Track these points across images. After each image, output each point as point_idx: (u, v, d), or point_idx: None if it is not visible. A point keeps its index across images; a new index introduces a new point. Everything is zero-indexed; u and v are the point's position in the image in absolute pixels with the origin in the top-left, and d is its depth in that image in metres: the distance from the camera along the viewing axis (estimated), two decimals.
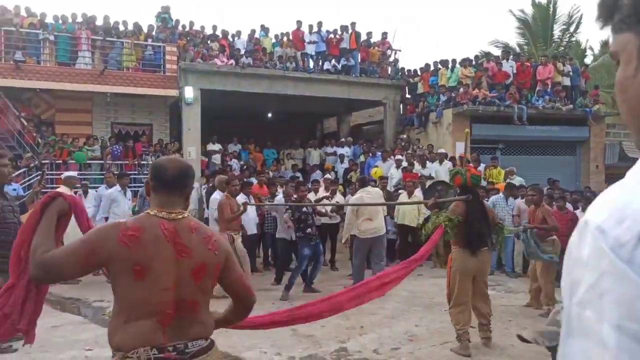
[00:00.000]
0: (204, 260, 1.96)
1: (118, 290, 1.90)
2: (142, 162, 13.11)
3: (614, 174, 15.55)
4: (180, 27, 15.66)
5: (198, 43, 14.96)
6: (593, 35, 46.96)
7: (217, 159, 14.60)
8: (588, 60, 22.85)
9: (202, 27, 16.05)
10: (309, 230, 7.73)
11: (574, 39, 23.03)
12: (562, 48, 22.05)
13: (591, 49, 25.51)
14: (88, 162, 12.43)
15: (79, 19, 14.29)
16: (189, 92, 13.94)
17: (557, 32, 22.93)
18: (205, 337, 1.99)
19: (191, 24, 16.01)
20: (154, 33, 14.76)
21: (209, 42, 15.28)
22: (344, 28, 15.86)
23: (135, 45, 14.15)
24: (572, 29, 22.75)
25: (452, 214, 5.10)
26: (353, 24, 15.98)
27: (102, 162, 12.73)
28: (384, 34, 16.77)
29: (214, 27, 15.84)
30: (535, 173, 12.43)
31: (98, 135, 13.65)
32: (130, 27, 14.61)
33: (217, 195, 8.11)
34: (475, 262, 5.16)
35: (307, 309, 3.79)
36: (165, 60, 14.17)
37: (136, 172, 12.70)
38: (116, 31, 14.35)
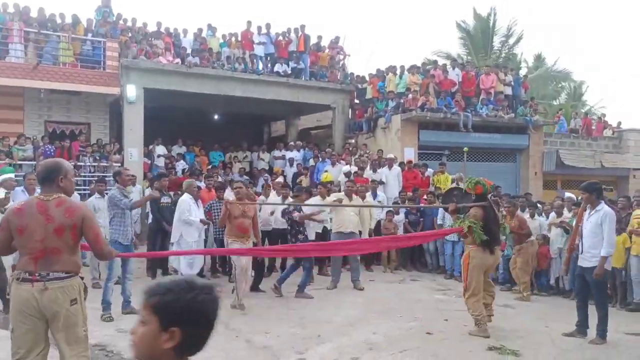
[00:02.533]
0: (62, 224, 3.18)
1: (15, 241, 3.23)
2: (79, 164, 12.34)
3: (551, 181, 16.30)
4: (121, 22, 14.94)
5: (141, 40, 14.32)
6: (527, 48, 49.45)
7: (160, 161, 14.00)
8: (522, 72, 23.90)
9: (145, 24, 15.39)
10: (301, 237, 7.86)
11: (512, 51, 24.01)
12: (501, 59, 22.93)
13: (525, 61, 26.76)
14: (19, 162, 11.52)
15: (11, 10, 13.30)
16: (132, 91, 13.30)
17: (496, 44, 23.85)
18: (65, 271, 3.18)
19: (133, 20, 15.33)
20: (93, 27, 14.00)
21: (152, 39, 14.67)
22: (294, 30, 15.70)
23: (73, 40, 13.35)
24: (511, 41, 23.75)
25: (475, 219, 5.85)
26: (302, 27, 15.85)
27: (34, 162, 11.86)
28: (335, 38, 16.76)
29: (158, 24, 15.23)
30: None
31: (30, 134, 12.73)
32: (67, 20, 13.76)
33: (185, 198, 7.78)
34: (492, 258, 6.07)
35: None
36: (105, 56, 13.46)
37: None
38: (52, 24, 13.47)
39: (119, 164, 12.89)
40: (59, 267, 3.14)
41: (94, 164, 12.55)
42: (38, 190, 8.46)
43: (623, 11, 54.33)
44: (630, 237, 7.57)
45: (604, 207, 5.74)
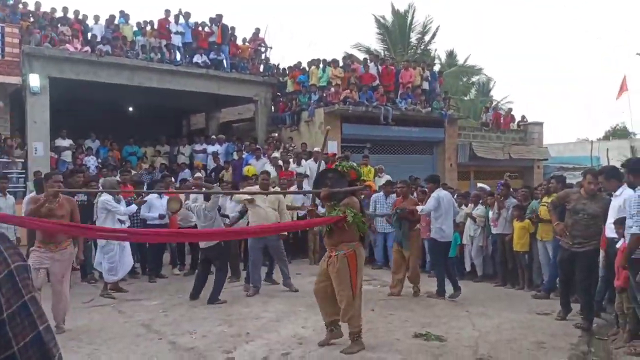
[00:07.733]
0: None
1: None
2: None
3: (464, 172, 17.13)
4: (21, 6, 13.73)
5: (46, 26, 13.25)
6: (440, 45, 51.61)
7: (67, 155, 13.03)
8: (436, 68, 24.84)
9: (54, 9, 14.20)
10: None
11: (428, 47, 24.89)
12: (417, 55, 23.69)
13: (438, 57, 27.87)
14: None
15: None
16: (35, 80, 12.31)
17: (413, 40, 24.60)
18: None
19: (37, 4, 14.11)
20: None
21: (58, 25, 13.62)
22: (212, 20, 15.24)
23: None
24: (427, 38, 24.59)
25: (354, 208, 5.04)
26: (220, 17, 15.41)
27: None
28: (257, 30, 16.47)
29: (65, 9, 14.16)
30: (398, 171, 13.09)
31: None
32: None
33: (106, 197, 7.38)
34: None
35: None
36: (4, 42, 12.33)
37: None
38: None
39: (22, 160, 11.92)
40: None
41: None
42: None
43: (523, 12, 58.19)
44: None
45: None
